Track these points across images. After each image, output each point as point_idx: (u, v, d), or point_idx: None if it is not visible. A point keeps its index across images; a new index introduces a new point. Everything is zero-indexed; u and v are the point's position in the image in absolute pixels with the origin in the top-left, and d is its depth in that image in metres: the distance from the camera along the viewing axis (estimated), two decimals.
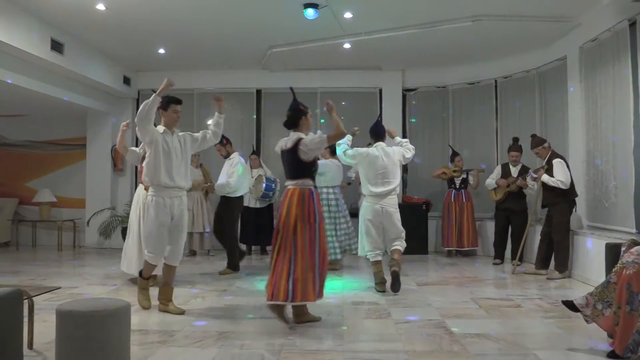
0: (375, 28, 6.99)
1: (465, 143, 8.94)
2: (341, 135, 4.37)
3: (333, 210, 6.80)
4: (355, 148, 5.54)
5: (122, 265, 5.77)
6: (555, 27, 6.72)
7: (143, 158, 5.24)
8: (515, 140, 7.47)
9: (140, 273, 4.73)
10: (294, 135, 4.24)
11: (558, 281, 6.05)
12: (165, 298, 4.56)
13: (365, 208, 5.52)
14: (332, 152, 6.48)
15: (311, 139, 4.19)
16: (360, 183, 6.03)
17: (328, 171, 6.74)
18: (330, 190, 6.84)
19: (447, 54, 8.18)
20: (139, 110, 4.33)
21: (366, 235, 5.50)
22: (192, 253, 8.28)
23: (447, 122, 9.16)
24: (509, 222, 7.40)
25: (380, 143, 5.57)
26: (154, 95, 4.34)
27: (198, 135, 4.79)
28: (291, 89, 4.55)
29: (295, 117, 4.28)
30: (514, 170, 7.34)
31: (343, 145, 5.48)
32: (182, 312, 4.45)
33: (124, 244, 5.90)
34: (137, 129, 4.41)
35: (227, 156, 6.65)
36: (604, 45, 6.10)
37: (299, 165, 4.18)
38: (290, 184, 4.21)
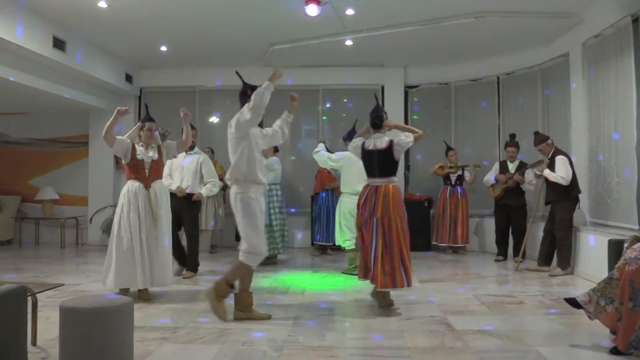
0: (377, 24, 6.99)
1: (467, 140, 8.94)
2: (421, 137, 4.73)
3: (281, 207, 7.20)
4: (337, 152, 6.39)
5: (111, 281, 4.72)
6: (558, 24, 6.71)
7: (160, 157, 4.99)
8: (512, 136, 7.55)
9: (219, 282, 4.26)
10: (381, 137, 4.63)
11: (560, 278, 6.05)
12: (248, 303, 4.25)
13: (348, 203, 6.18)
14: (276, 149, 7.34)
15: (404, 140, 4.59)
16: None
17: (277, 168, 7.22)
18: (275, 187, 7.18)
19: (449, 50, 8.17)
20: (255, 100, 4.08)
21: (346, 227, 6.25)
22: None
23: (449, 119, 9.15)
24: (508, 219, 7.40)
25: None
26: (268, 83, 4.16)
27: (268, 131, 4.48)
28: (375, 95, 5.15)
29: (381, 120, 4.71)
30: (512, 167, 7.37)
31: (322, 152, 6.30)
32: (269, 317, 4.22)
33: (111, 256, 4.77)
34: (246, 120, 4.10)
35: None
36: (606, 41, 6.08)
37: (392, 164, 4.58)
38: (379, 182, 4.54)
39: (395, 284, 4.35)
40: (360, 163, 5.73)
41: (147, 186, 4.88)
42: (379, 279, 4.36)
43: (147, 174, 4.91)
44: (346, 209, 6.24)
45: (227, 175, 4.24)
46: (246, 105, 4.17)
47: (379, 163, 4.57)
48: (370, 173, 4.63)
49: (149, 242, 4.76)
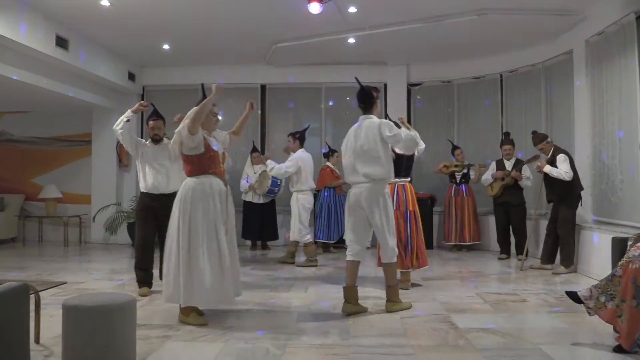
0: (379, 22, 6.98)
1: (470, 138, 8.93)
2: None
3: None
4: (290, 158, 6.92)
5: (205, 300, 4.03)
6: (561, 21, 6.68)
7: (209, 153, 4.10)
8: (506, 134, 7.63)
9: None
10: None
11: (564, 276, 6.03)
12: (356, 297, 4.42)
13: (306, 200, 6.98)
14: None
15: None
16: None
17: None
18: None
19: (452, 48, 8.15)
20: (414, 134, 4.53)
21: (304, 223, 6.91)
22: None
23: (452, 117, 9.14)
24: (508, 217, 7.39)
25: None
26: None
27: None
28: (387, 114, 5.76)
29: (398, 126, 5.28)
30: (508, 164, 7.39)
31: (278, 166, 6.79)
32: (410, 306, 4.48)
33: (179, 270, 3.95)
34: (405, 142, 4.31)
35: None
36: (610, 38, 6.05)
37: (411, 166, 5.43)
38: (404, 180, 5.32)
39: (425, 264, 5.32)
40: (311, 162, 6.94)
41: (226, 184, 4.22)
42: (413, 261, 5.22)
43: (222, 169, 4.23)
44: (307, 205, 6.95)
45: (377, 173, 4.27)
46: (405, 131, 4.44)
47: (407, 165, 5.29)
48: (397, 173, 5.06)
49: (230, 250, 4.11)
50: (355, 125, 4.48)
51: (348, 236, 4.51)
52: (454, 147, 8.38)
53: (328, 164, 8.06)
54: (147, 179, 5.03)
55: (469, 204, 8.16)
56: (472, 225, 8.12)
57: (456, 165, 8.19)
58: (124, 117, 4.99)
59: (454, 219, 8.15)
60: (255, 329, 3.87)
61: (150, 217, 4.97)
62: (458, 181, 8.23)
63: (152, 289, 5.09)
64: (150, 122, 5.17)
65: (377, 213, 4.29)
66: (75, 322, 2.91)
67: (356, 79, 4.70)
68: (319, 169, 8.20)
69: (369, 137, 4.30)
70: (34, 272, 6.36)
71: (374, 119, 4.41)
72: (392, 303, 4.42)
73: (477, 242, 8.23)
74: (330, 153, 8.13)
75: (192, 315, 4.03)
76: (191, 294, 3.92)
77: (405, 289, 5.10)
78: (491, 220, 8.10)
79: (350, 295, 4.37)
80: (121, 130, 4.97)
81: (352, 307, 4.34)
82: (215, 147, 4.16)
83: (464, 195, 8.17)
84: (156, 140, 5.13)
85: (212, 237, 3.97)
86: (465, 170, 8.21)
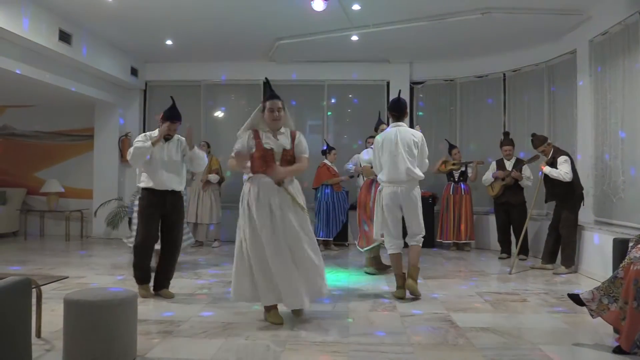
0: (383, 20, 6.97)
1: (472, 137, 8.92)
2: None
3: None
4: None
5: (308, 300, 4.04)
6: (565, 20, 6.67)
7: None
8: (506, 134, 7.62)
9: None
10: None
11: (564, 276, 6.03)
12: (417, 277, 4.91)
13: None
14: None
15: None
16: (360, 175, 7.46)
17: None
18: None
19: (455, 46, 8.14)
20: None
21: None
22: (200, 244, 8.30)
23: (454, 116, 9.12)
24: (509, 217, 7.38)
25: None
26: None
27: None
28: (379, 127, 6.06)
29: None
30: (509, 164, 7.37)
31: None
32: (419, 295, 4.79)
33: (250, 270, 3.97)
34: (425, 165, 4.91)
35: None
36: (614, 38, 6.04)
37: None
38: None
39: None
40: None
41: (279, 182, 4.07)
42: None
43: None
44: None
45: (419, 173, 4.82)
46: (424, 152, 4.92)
47: None
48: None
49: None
50: (389, 129, 4.98)
51: (387, 234, 4.95)
52: (451, 147, 8.37)
53: (326, 161, 8.06)
54: (155, 176, 4.74)
55: (467, 202, 8.16)
56: (469, 223, 8.12)
57: (454, 164, 8.19)
58: (149, 142, 4.66)
59: (452, 216, 8.15)
60: (256, 326, 3.88)
61: (156, 214, 4.76)
62: (456, 179, 8.23)
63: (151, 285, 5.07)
64: (168, 123, 4.75)
65: (413, 208, 4.83)
66: (77, 316, 2.92)
67: (399, 92, 5.26)
68: (317, 167, 8.20)
69: (413, 142, 4.84)
70: (36, 266, 6.37)
71: (406, 127, 4.96)
72: (415, 282, 4.79)
73: (472, 241, 8.24)
74: (328, 151, 8.14)
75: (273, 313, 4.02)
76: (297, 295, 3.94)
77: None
78: (491, 219, 8.10)
79: (403, 280, 4.85)
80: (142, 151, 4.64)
81: (413, 284, 4.77)
82: (268, 147, 4.02)
83: (463, 193, 8.17)
84: (167, 138, 4.84)
85: (269, 239, 3.91)
86: (463, 169, 8.21)
